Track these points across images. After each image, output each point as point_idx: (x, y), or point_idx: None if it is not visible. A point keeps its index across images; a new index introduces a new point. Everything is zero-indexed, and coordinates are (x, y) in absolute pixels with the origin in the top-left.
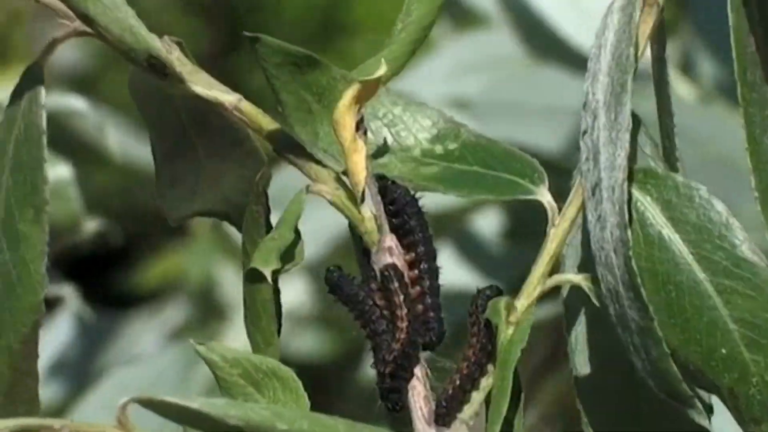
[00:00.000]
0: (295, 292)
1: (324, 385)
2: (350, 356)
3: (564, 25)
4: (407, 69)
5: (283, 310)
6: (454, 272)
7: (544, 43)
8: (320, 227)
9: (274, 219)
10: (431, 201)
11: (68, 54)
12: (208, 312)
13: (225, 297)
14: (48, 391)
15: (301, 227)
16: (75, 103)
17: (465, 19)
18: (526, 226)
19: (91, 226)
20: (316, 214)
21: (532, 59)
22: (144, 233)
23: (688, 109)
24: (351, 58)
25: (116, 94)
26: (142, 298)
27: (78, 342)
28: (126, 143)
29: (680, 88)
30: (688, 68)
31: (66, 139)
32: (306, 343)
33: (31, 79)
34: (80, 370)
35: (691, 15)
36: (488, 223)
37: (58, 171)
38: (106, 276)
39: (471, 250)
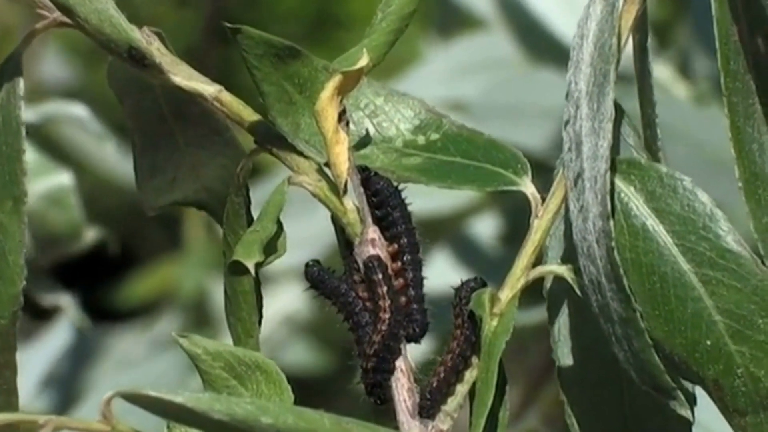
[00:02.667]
0: (289, 298)
1: (320, 398)
2: (350, 368)
3: (561, 26)
4: (404, 72)
5: (277, 318)
6: (451, 276)
7: (542, 45)
8: (315, 231)
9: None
10: (426, 205)
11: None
12: (201, 324)
13: (218, 310)
14: (44, 399)
15: (294, 231)
16: (76, 111)
17: (462, 21)
18: (523, 230)
19: (90, 234)
20: (310, 218)
21: (529, 61)
22: (138, 244)
23: (685, 109)
24: (345, 51)
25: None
26: (135, 310)
27: (74, 352)
28: (125, 153)
29: (677, 89)
30: (685, 69)
31: (66, 147)
32: (301, 353)
33: (9, 71)
34: (75, 380)
35: (689, 15)
36: (485, 227)
37: (59, 178)
38: (100, 286)
39: (467, 254)
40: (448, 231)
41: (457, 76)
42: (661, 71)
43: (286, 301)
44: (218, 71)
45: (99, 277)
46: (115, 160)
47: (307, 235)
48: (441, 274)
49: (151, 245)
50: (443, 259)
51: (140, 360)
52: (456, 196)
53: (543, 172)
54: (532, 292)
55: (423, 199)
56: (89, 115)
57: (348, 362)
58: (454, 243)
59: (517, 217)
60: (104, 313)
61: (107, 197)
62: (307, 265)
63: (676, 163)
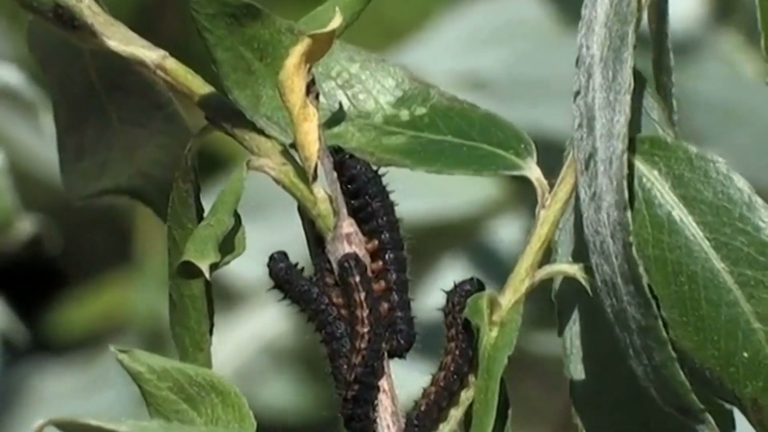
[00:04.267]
0: (268, 320)
1: None
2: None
3: None
4: (407, 39)
5: (253, 345)
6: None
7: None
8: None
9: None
10: (434, 205)
11: None
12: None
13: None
14: None
15: (273, 236)
16: (7, 76)
17: None
18: None
19: (25, 226)
20: (290, 219)
21: (560, 27)
22: (78, 254)
23: (750, 87)
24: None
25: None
26: (74, 340)
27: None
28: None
29: (743, 63)
30: (754, 39)
31: None
32: (283, 388)
33: None
34: None
35: None
36: (508, 233)
37: None
38: (30, 308)
39: (488, 263)
40: (466, 237)
41: (474, 46)
42: (723, 41)
43: (263, 323)
44: (172, 37)
45: (29, 294)
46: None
47: (287, 239)
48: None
49: (94, 255)
50: (460, 269)
51: (76, 397)
52: (470, 193)
53: (547, 152)
54: (538, 297)
55: (430, 199)
56: (21, 80)
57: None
58: (473, 251)
59: None
60: (34, 342)
61: (36, 190)
62: (271, 258)
63: (737, 150)
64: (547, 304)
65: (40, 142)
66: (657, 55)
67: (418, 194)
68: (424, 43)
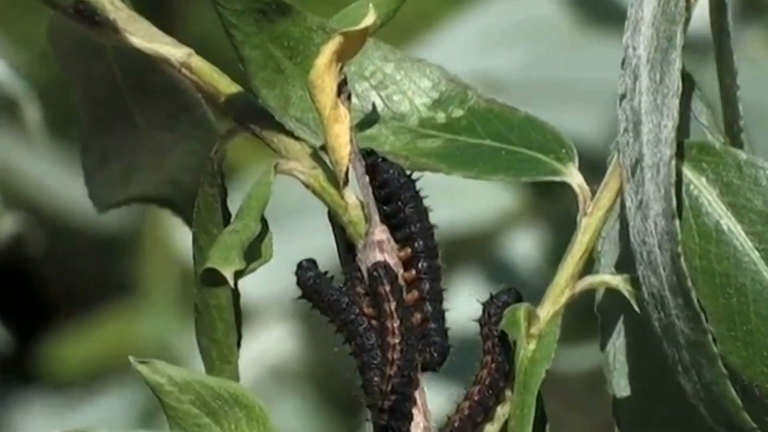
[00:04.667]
0: (276, 339)
1: None
2: (350, 427)
3: None
4: (422, 38)
5: (260, 365)
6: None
7: (596, 6)
8: (313, 247)
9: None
10: (449, 215)
11: None
12: None
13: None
14: None
15: (285, 248)
16: None
17: None
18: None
19: (6, 224)
20: (306, 230)
21: (579, 27)
22: (78, 284)
23: None
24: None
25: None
26: (73, 377)
27: None
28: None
29: None
30: None
31: None
32: (292, 411)
33: None
34: None
35: None
36: (526, 244)
37: None
38: (19, 339)
39: (506, 275)
40: (483, 248)
41: (489, 46)
42: (750, 37)
43: (271, 342)
44: (194, 33)
45: (21, 326)
46: (40, 146)
47: (303, 252)
48: (467, 303)
49: (92, 282)
50: (476, 282)
51: None
52: (485, 203)
53: (596, 164)
54: (579, 309)
55: (444, 209)
56: (5, 68)
57: (353, 420)
58: (490, 262)
59: (567, 230)
60: (24, 379)
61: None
62: (299, 266)
63: (763, 152)
64: (571, 319)
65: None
66: (719, 57)
67: (418, 174)
68: (436, 43)
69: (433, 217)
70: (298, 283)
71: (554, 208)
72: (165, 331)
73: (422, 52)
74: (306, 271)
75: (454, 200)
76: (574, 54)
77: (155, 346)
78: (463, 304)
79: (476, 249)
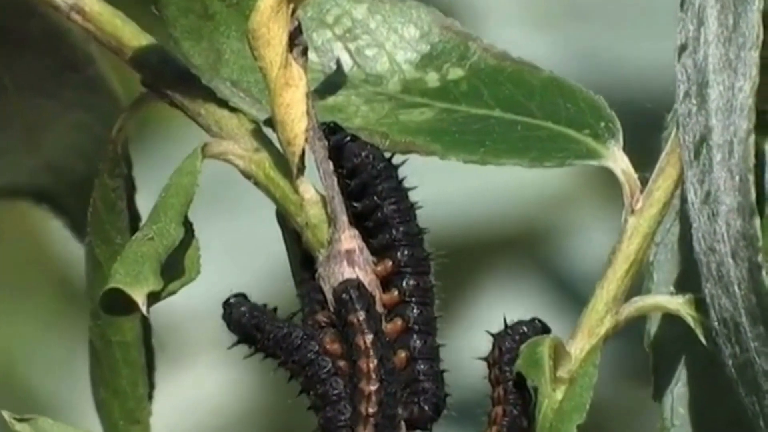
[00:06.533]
0: (220, 380)
1: None
2: None
3: None
4: None
5: (198, 413)
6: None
7: None
8: (266, 256)
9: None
10: (451, 215)
11: None
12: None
13: (45, 394)
14: None
15: (222, 240)
16: None
17: None
18: None
19: None
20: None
21: None
22: None
23: None
24: None
25: None
26: None
27: None
28: None
29: None
30: None
31: None
32: None
33: None
34: None
35: None
36: (580, 249)
37: None
38: None
39: (526, 295)
40: (486, 258)
41: None
42: None
43: (213, 385)
44: None
45: None
46: None
47: (248, 244)
48: (471, 335)
49: None
50: (477, 311)
51: None
52: (501, 190)
53: (644, 141)
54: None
55: (439, 204)
56: None
57: None
58: (496, 278)
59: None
60: None
61: None
62: (226, 305)
63: None
64: (613, 356)
65: None
66: None
67: (400, 157)
68: None
69: (423, 217)
70: (230, 325)
71: (603, 193)
72: (6, 338)
73: None
74: (236, 307)
75: (452, 190)
76: None
77: (21, 391)
78: (466, 337)
79: (484, 257)
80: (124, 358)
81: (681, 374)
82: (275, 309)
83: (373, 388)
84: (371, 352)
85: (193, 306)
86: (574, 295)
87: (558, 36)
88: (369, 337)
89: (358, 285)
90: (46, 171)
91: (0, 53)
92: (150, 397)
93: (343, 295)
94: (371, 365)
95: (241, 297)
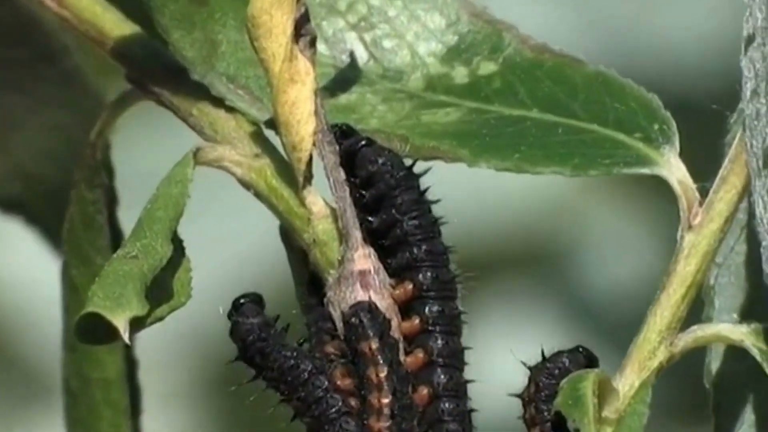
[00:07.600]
0: (195, 419)
1: None
2: None
3: None
4: None
5: None
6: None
7: None
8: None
9: None
10: (478, 227)
11: None
12: None
13: None
14: None
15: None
16: None
17: None
18: None
19: None
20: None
21: None
22: None
23: None
24: None
25: None
26: None
27: None
28: None
29: None
30: None
31: None
32: None
33: None
34: None
35: None
36: (607, 264)
37: None
38: None
39: (568, 320)
40: (521, 277)
41: None
42: None
43: (212, 426)
44: None
45: None
46: None
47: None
48: (504, 368)
49: None
50: (510, 339)
51: None
52: (536, 199)
53: (703, 146)
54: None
55: (467, 216)
56: None
57: None
58: (533, 300)
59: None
60: None
61: None
62: (235, 305)
63: None
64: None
65: None
66: None
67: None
68: None
69: (448, 232)
70: (234, 335)
71: (664, 204)
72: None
73: None
74: (246, 316)
75: (480, 200)
76: None
77: None
78: (498, 370)
79: (507, 276)
80: (105, 398)
81: (746, 415)
82: (286, 328)
83: (383, 425)
84: (384, 386)
85: (182, 331)
86: (610, 319)
87: (576, 10)
88: (383, 370)
89: (370, 308)
90: (14, 178)
91: None
92: None
93: (353, 320)
94: (384, 402)
95: (254, 302)
